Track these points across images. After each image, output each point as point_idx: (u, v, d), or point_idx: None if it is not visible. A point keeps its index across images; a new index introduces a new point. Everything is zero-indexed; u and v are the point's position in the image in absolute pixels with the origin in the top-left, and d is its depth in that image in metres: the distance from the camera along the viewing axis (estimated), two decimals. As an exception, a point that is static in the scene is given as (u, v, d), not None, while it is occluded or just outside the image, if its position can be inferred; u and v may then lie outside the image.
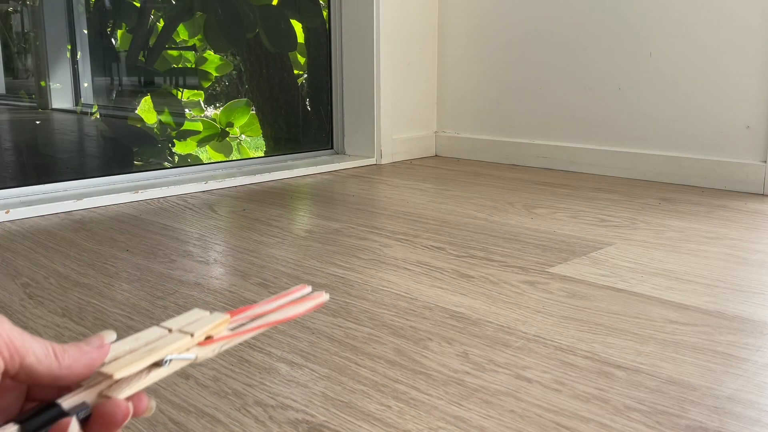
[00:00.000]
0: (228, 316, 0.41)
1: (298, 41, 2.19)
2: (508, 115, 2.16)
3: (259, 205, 1.56)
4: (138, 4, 1.85)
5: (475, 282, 1.02)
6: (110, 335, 0.38)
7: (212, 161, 2.01)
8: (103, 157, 1.82)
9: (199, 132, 1.99)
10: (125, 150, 1.85)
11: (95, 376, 0.36)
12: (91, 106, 1.80)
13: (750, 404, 0.66)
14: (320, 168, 2.01)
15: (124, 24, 1.83)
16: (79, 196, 1.55)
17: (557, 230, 1.32)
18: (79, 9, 1.72)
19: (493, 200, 1.60)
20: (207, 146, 2.02)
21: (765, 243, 1.24)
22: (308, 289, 0.44)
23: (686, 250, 1.19)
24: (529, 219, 1.41)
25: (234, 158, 2.06)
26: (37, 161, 1.67)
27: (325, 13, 2.20)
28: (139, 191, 1.62)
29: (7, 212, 1.42)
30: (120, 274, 1.07)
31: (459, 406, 0.66)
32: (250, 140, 2.12)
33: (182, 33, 1.95)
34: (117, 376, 0.36)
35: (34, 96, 1.71)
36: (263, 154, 2.13)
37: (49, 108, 1.74)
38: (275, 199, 1.64)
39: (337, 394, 0.69)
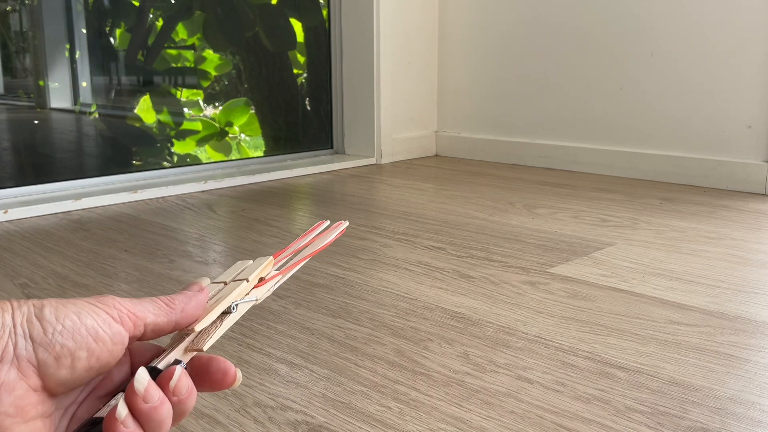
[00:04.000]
0: (272, 258, 0.45)
1: (298, 40, 2.19)
2: (508, 114, 2.15)
3: (259, 205, 1.56)
4: (137, 3, 1.85)
5: (476, 282, 1.02)
6: (205, 280, 0.42)
7: (211, 161, 2.01)
8: (101, 157, 1.81)
9: (198, 131, 1.99)
10: (124, 150, 1.84)
11: (177, 336, 0.40)
12: (89, 105, 1.80)
13: (752, 405, 0.66)
14: (320, 168, 2.01)
15: (122, 23, 1.82)
16: (78, 196, 1.54)
17: (558, 230, 1.32)
18: (78, 8, 1.71)
19: (494, 200, 1.60)
20: (206, 146, 2.01)
21: (767, 243, 1.23)
22: (327, 222, 0.50)
23: (688, 251, 1.18)
24: (530, 219, 1.41)
25: (233, 158, 2.06)
26: (36, 161, 1.67)
27: (324, 12, 2.19)
28: (138, 191, 1.62)
29: (5, 212, 1.41)
30: (119, 274, 1.07)
31: (459, 407, 0.66)
32: (249, 140, 2.11)
33: (181, 32, 1.94)
34: (197, 328, 0.39)
35: (32, 95, 1.71)
36: (263, 154, 2.13)
37: (48, 107, 1.73)
38: (275, 199, 1.64)
39: (336, 395, 0.68)
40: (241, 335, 0.83)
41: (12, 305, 0.35)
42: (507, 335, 0.83)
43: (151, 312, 0.38)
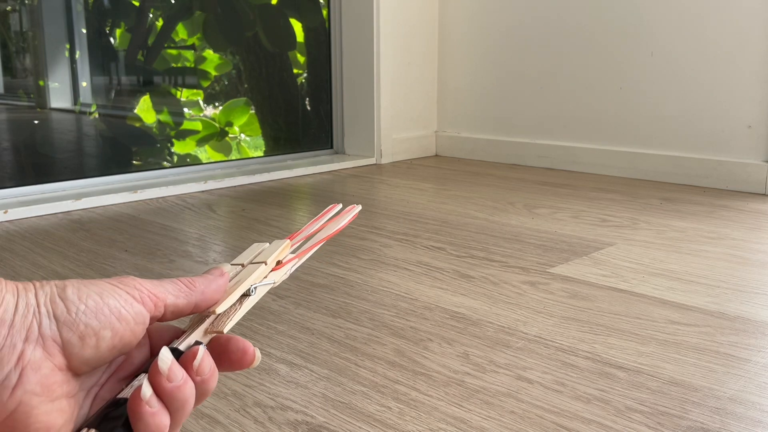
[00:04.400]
0: (288, 240, 0.45)
1: (298, 40, 2.19)
2: (508, 114, 2.15)
3: (259, 205, 1.56)
4: (137, 3, 1.85)
5: (476, 282, 1.02)
6: (226, 266, 0.42)
7: (211, 161, 2.01)
8: (101, 157, 1.81)
9: (198, 131, 1.99)
10: (124, 150, 1.84)
11: (196, 318, 0.40)
12: (89, 105, 1.80)
13: (752, 405, 0.66)
14: (320, 168, 2.01)
15: (122, 23, 1.82)
16: (78, 196, 1.54)
17: (558, 230, 1.32)
18: (78, 8, 1.71)
19: (494, 200, 1.60)
20: (206, 146, 2.01)
21: (767, 243, 1.23)
22: (339, 206, 0.50)
23: (688, 251, 1.18)
24: (530, 219, 1.41)
25: (233, 158, 2.06)
26: (36, 161, 1.67)
27: (324, 12, 2.19)
28: (138, 191, 1.62)
29: (5, 212, 1.41)
30: (119, 274, 1.07)
31: (459, 407, 0.66)
32: (249, 140, 2.11)
33: (181, 32, 1.94)
34: (218, 310, 0.40)
35: (32, 95, 1.71)
36: (263, 154, 2.13)
37: (48, 107, 1.73)
38: (275, 199, 1.64)
39: (336, 395, 0.68)
40: (241, 335, 0.83)
41: (35, 285, 0.35)
42: (507, 335, 0.83)
43: (171, 293, 0.38)
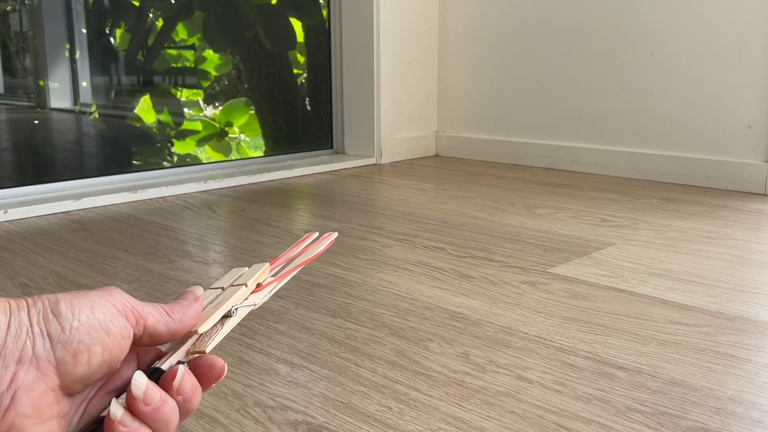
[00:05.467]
0: (268, 264, 0.47)
1: (298, 40, 2.19)
2: (508, 114, 2.15)
3: (259, 205, 1.56)
4: (137, 3, 1.85)
5: (476, 282, 1.02)
6: (198, 289, 0.43)
7: (211, 161, 2.01)
8: (101, 157, 1.81)
9: (198, 132, 1.99)
10: (124, 150, 1.84)
11: (178, 339, 0.41)
12: (89, 105, 1.80)
13: (752, 405, 0.66)
14: (320, 168, 2.01)
15: (122, 23, 1.82)
16: (78, 196, 1.54)
17: (558, 230, 1.32)
18: (78, 8, 1.71)
19: (494, 200, 1.60)
20: (206, 146, 2.01)
21: (767, 243, 1.23)
22: (316, 234, 0.52)
23: (688, 251, 1.18)
24: (530, 219, 1.41)
25: (233, 158, 2.06)
26: (36, 161, 1.67)
27: (324, 12, 2.19)
28: (138, 191, 1.62)
29: (5, 212, 1.41)
30: (119, 274, 1.07)
31: (459, 407, 0.66)
32: (249, 140, 2.11)
33: (181, 32, 1.94)
34: (200, 330, 0.40)
35: (32, 95, 1.71)
36: (262, 154, 2.13)
37: (48, 107, 1.73)
38: (275, 199, 1.64)
39: (336, 395, 0.68)
40: (241, 335, 0.83)
41: (27, 303, 0.35)
42: (507, 335, 0.83)
43: (152, 315, 0.38)
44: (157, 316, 0.38)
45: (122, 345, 0.36)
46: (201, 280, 1.04)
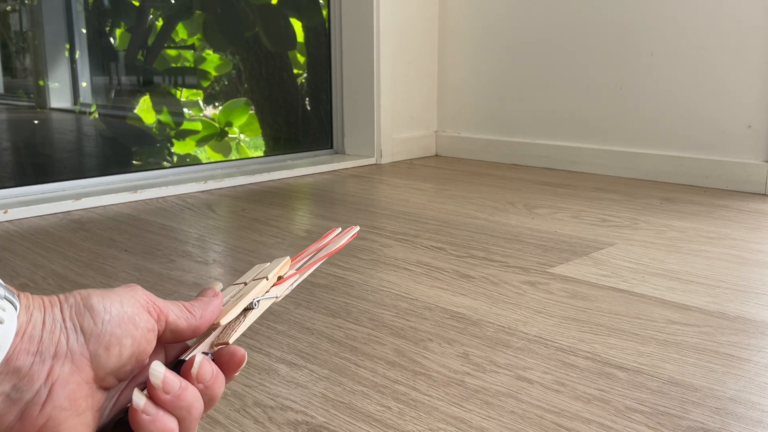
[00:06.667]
0: (288, 258, 0.47)
1: (298, 40, 2.19)
2: (508, 114, 2.15)
3: (259, 205, 1.56)
4: (137, 3, 1.85)
5: (476, 282, 1.02)
6: (218, 285, 0.43)
7: (211, 161, 2.01)
8: (101, 157, 1.81)
9: (198, 132, 1.99)
10: (124, 150, 1.84)
11: (203, 333, 0.41)
12: (89, 105, 1.80)
13: (752, 405, 0.66)
14: (320, 168, 2.01)
15: (122, 23, 1.82)
16: (78, 196, 1.54)
17: (558, 230, 1.32)
18: (78, 8, 1.71)
19: (494, 200, 1.60)
20: (206, 146, 2.01)
21: (767, 243, 1.23)
22: (339, 229, 0.53)
23: (688, 251, 1.18)
24: (530, 219, 1.41)
25: (233, 158, 2.06)
26: (36, 161, 1.67)
27: (324, 12, 2.19)
28: (138, 191, 1.62)
29: (5, 212, 1.41)
30: (118, 274, 1.07)
31: (459, 407, 0.66)
32: (249, 140, 2.11)
33: (181, 32, 1.94)
34: (222, 322, 0.41)
35: (32, 95, 1.71)
36: (262, 154, 2.13)
37: (48, 107, 1.73)
38: (275, 199, 1.64)
39: (336, 395, 0.68)
40: (242, 335, 0.83)
41: (60, 299, 0.36)
42: (507, 335, 0.83)
43: (173, 311, 0.39)
44: (178, 313, 0.39)
45: (148, 338, 0.37)
46: (201, 280, 1.04)
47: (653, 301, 0.94)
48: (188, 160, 1.96)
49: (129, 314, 0.36)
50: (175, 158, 1.93)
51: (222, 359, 0.41)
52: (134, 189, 1.63)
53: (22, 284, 1.02)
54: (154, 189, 1.65)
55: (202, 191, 1.72)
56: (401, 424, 0.63)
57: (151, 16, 1.89)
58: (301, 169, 1.96)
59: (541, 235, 1.29)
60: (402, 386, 0.70)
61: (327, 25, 2.19)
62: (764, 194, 1.65)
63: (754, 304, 0.93)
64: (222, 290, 0.44)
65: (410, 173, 1.98)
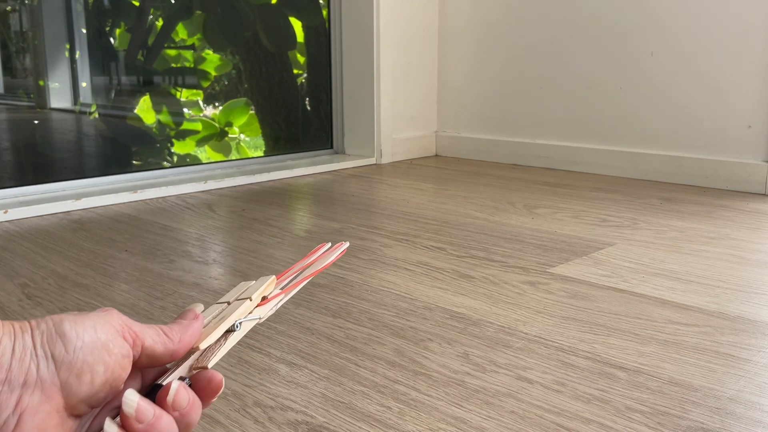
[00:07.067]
0: (274, 277, 0.46)
1: (298, 40, 2.19)
2: (508, 114, 2.15)
3: (259, 205, 1.56)
4: (137, 3, 1.85)
5: (476, 282, 1.02)
6: (199, 307, 0.42)
7: (211, 161, 2.01)
8: (101, 157, 1.81)
9: (198, 132, 1.99)
10: (124, 150, 1.84)
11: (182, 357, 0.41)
12: (89, 105, 1.80)
13: (752, 405, 0.66)
14: (320, 168, 2.01)
15: (122, 23, 1.82)
16: (78, 196, 1.54)
17: (558, 230, 1.32)
18: (78, 8, 1.71)
19: (494, 200, 1.60)
20: (206, 146, 2.01)
21: (767, 243, 1.23)
22: (328, 245, 0.51)
23: (688, 251, 1.18)
24: (530, 219, 1.41)
25: (233, 158, 2.06)
26: (36, 161, 1.67)
27: (324, 12, 2.19)
28: (138, 191, 1.62)
29: (5, 212, 1.41)
30: (119, 274, 1.07)
31: (459, 407, 0.66)
32: (249, 140, 2.11)
33: (181, 32, 1.94)
34: (202, 346, 0.40)
35: (32, 95, 1.71)
36: (262, 154, 2.13)
37: (48, 107, 1.73)
38: (275, 199, 1.64)
39: (336, 395, 0.68)
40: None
41: (31, 325, 0.35)
42: (507, 335, 0.83)
43: (149, 336, 0.38)
44: (155, 337, 0.38)
45: (123, 364, 0.36)
46: (201, 280, 1.04)
47: (653, 301, 0.94)
48: (188, 160, 1.96)
49: (102, 340, 0.35)
50: (175, 158, 1.93)
51: (199, 384, 0.40)
52: (134, 189, 1.63)
53: (22, 284, 1.02)
54: (154, 189, 1.65)
55: (202, 191, 1.72)
56: (401, 424, 0.63)
57: (151, 16, 1.89)
58: (301, 169, 1.96)
59: (541, 235, 1.29)
60: (402, 386, 0.70)
61: (327, 25, 2.19)
62: (764, 194, 1.65)
63: (754, 304, 0.93)
64: (203, 311, 0.43)
65: (410, 173, 1.98)
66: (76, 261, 1.13)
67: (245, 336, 0.82)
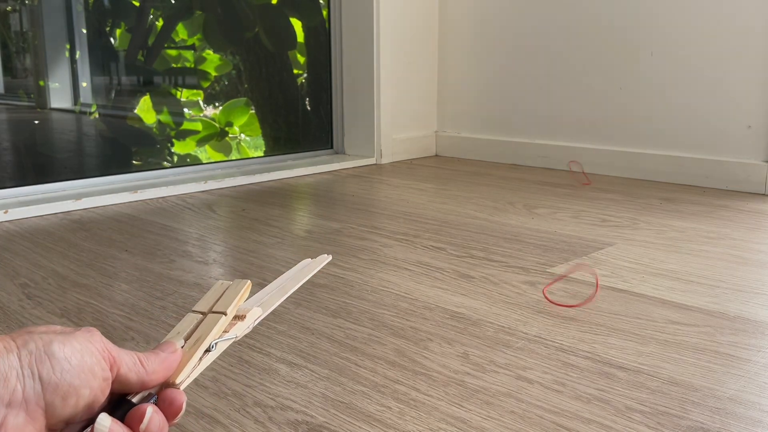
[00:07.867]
0: (249, 282, 0.46)
1: (298, 40, 2.19)
2: (508, 114, 2.15)
3: (259, 205, 1.56)
4: (137, 3, 1.85)
5: (476, 282, 1.02)
6: (179, 341, 0.42)
7: (211, 161, 2.01)
8: (101, 157, 1.81)
9: (198, 132, 1.99)
10: (124, 150, 1.84)
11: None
12: (89, 105, 1.80)
13: (751, 405, 0.66)
14: (320, 168, 2.01)
15: (123, 23, 1.82)
16: (78, 196, 1.54)
17: (558, 230, 1.32)
18: (78, 8, 1.71)
19: (494, 200, 1.60)
20: (206, 146, 2.01)
21: (766, 243, 1.23)
22: (308, 260, 0.50)
23: (688, 251, 1.18)
24: (530, 219, 1.41)
25: (233, 158, 2.06)
26: (36, 161, 1.67)
27: (324, 12, 2.19)
28: (138, 191, 1.62)
29: (5, 212, 1.41)
30: (119, 274, 1.07)
31: (459, 407, 0.66)
32: (249, 140, 2.11)
33: (181, 32, 1.94)
34: (178, 380, 0.40)
35: (32, 95, 1.71)
36: (263, 154, 2.13)
37: (48, 107, 1.73)
38: (275, 199, 1.64)
39: (337, 395, 0.68)
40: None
41: (17, 344, 0.35)
42: (507, 335, 0.83)
43: (125, 363, 0.38)
44: (130, 365, 0.38)
45: (103, 387, 0.37)
46: (201, 280, 1.04)
47: (653, 301, 0.94)
48: (188, 160, 1.96)
49: (88, 364, 0.36)
50: (175, 158, 1.93)
51: (163, 404, 0.40)
52: (134, 189, 1.63)
53: (22, 284, 1.02)
54: (154, 189, 1.65)
55: (203, 191, 1.72)
56: (401, 424, 0.63)
57: (151, 16, 1.89)
58: (301, 169, 1.96)
59: (541, 235, 1.29)
60: (402, 386, 0.70)
61: (327, 25, 2.19)
62: (764, 194, 1.65)
63: (754, 304, 0.93)
64: (173, 330, 0.43)
65: (410, 173, 1.98)
66: (77, 261, 1.13)
67: (245, 336, 0.83)
